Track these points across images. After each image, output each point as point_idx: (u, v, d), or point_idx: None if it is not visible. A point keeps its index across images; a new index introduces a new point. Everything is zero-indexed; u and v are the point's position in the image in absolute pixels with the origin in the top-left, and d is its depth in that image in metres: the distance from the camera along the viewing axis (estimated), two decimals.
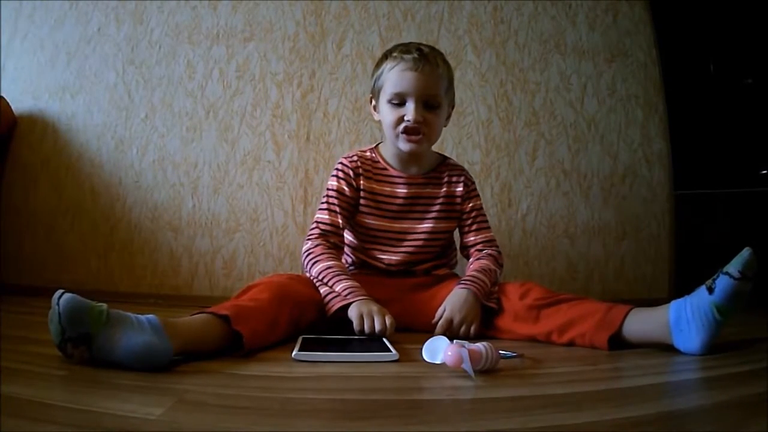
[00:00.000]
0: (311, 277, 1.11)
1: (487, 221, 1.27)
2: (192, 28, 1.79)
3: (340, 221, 1.19)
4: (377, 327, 0.96)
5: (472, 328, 1.06)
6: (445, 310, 1.07)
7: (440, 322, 1.06)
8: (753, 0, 1.90)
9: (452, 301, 1.08)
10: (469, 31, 1.82)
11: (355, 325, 0.99)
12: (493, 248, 1.23)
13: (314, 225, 1.19)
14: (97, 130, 1.78)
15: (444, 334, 0.98)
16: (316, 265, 1.11)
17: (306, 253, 1.15)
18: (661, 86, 1.84)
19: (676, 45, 1.93)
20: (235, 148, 1.75)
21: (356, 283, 1.07)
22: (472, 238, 1.24)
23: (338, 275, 1.08)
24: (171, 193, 1.75)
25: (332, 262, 1.11)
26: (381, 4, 1.80)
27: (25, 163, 1.79)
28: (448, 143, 1.75)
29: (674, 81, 1.88)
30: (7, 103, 1.75)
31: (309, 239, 1.17)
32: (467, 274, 1.15)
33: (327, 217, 1.19)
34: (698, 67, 1.99)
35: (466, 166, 1.34)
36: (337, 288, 1.05)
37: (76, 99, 1.79)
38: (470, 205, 1.25)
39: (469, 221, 1.25)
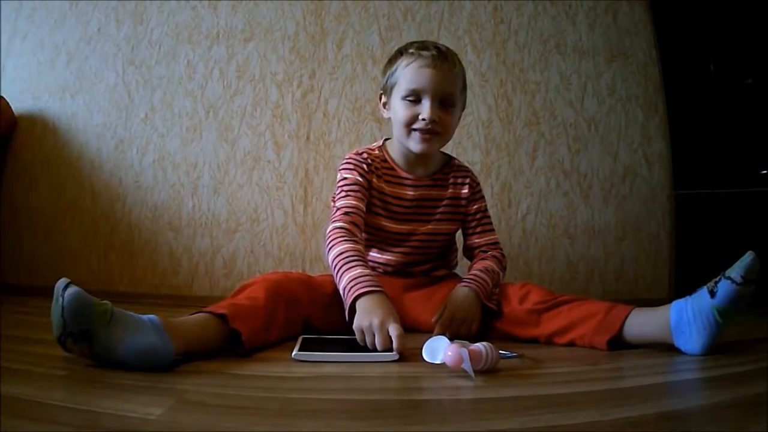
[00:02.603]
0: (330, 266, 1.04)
1: (491, 223, 1.26)
2: (192, 28, 1.79)
3: (362, 205, 1.13)
4: (378, 347, 0.86)
5: (473, 327, 1.05)
6: (445, 308, 1.06)
7: (440, 321, 1.05)
8: (753, 0, 1.90)
9: (453, 300, 1.07)
10: (469, 31, 1.82)
11: (359, 340, 0.91)
12: (498, 250, 1.22)
13: (335, 210, 1.13)
14: (97, 130, 1.78)
15: (444, 333, 0.98)
16: (330, 252, 1.04)
17: (325, 239, 1.08)
18: (661, 86, 1.84)
19: (676, 45, 1.92)
20: (235, 148, 1.75)
21: (359, 273, 0.96)
22: (476, 240, 1.23)
23: (345, 264, 0.99)
24: (171, 193, 1.75)
25: (343, 246, 1.02)
26: (381, 4, 1.80)
27: (25, 163, 1.79)
28: (448, 143, 1.74)
29: (674, 81, 1.88)
30: (7, 103, 1.75)
31: (331, 222, 1.10)
32: (470, 272, 1.14)
33: (347, 201, 1.12)
34: (698, 67, 1.99)
35: None
36: (342, 284, 0.97)
37: (76, 99, 1.79)
38: (475, 207, 1.23)
39: (473, 223, 1.23)
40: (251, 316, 0.86)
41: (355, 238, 1.06)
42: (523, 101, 1.81)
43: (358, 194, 1.13)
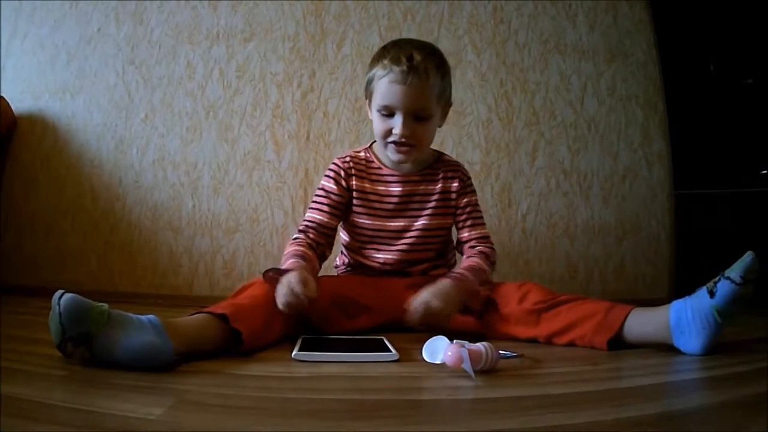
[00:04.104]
0: None
1: (481, 217, 1.25)
2: (192, 28, 1.79)
3: (325, 219, 1.17)
4: (279, 304, 0.91)
5: (445, 322, 1.02)
6: (422, 295, 1.01)
7: (416, 306, 0.99)
8: (753, 0, 1.90)
9: (431, 289, 1.02)
10: (469, 31, 1.81)
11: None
12: (486, 245, 1.21)
13: (302, 221, 1.20)
14: (97, 130, 1.78)
15: (415, 320, 0.99)
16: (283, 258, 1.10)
17: None
18: (661, 86, 1.84)
19: (676, 45, 1.93)
20: (235, 148, 1.75)
21: (290, 263, 1.03)
22: (465, 234, 1.23)
23: (287, 258, 1.06)
24: (171, 193, 1.75)
25: (290, 249, 1.10)
26: (381, 4, 1.80)
27: (25, 163, 1.79)
28: (447, 143, 1.75)
29: (674, 81, 1.88)
30: (7, 103, 1.75)
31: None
32: (455, 270, 1.13)
33: (311, 215, 1.19)
34: (698, 67, 1.99)
35: (466, 166, 1.33)
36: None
37: (76, 99, 1.79)
38: (465, 200, 1.23)
39: (463, 216, 1.23)
40: (252, 316, 0.87)
41: (303, 247, 1.11)
42: (523, 101, 1.81)
43: (324, 207, 1.19)
